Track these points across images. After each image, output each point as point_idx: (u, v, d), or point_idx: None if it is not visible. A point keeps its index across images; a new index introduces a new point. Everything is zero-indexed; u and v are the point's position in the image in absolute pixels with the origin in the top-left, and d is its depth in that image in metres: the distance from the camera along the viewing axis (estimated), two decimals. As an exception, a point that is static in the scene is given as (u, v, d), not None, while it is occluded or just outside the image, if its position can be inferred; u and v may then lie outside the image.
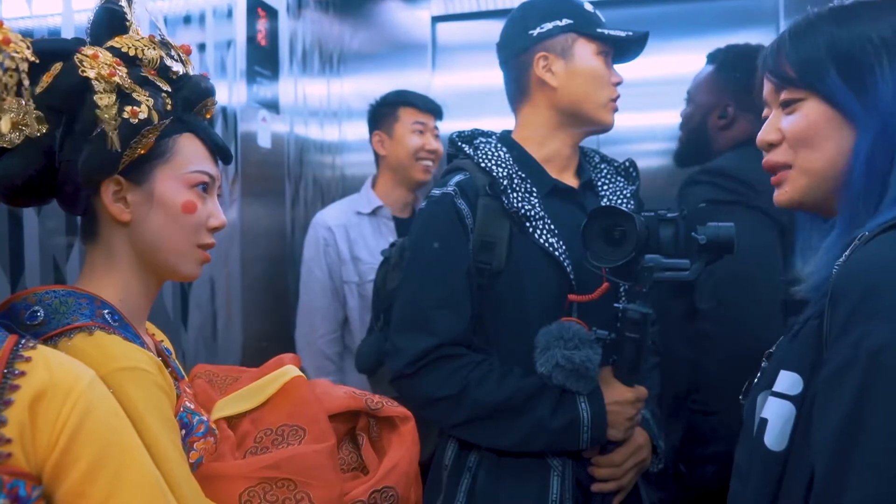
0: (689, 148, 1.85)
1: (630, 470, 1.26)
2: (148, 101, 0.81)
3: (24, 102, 0.76)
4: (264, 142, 2.05)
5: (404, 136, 2.05)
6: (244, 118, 1.92)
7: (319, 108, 2.49)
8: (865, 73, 0.77)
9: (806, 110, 0.81)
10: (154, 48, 0.85)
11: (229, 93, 1.84)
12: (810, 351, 0.72)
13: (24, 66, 0.75)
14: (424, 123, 2.06)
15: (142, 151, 0.82)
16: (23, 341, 0.67)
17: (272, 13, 2.10)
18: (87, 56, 0.79)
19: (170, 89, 0.86)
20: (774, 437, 0.73)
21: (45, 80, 0.78)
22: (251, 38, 1.96)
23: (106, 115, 0.78)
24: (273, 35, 2.10)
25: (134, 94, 0.80)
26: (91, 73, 0.78)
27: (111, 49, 0.82)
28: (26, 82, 0.76)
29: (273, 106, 2.11)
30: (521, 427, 1.20)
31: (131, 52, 0.83)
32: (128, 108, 0.79)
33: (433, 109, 2.10)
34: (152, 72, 0.85)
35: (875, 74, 0.76)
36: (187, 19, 1.66)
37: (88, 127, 0.79)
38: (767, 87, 0.87)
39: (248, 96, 1.95)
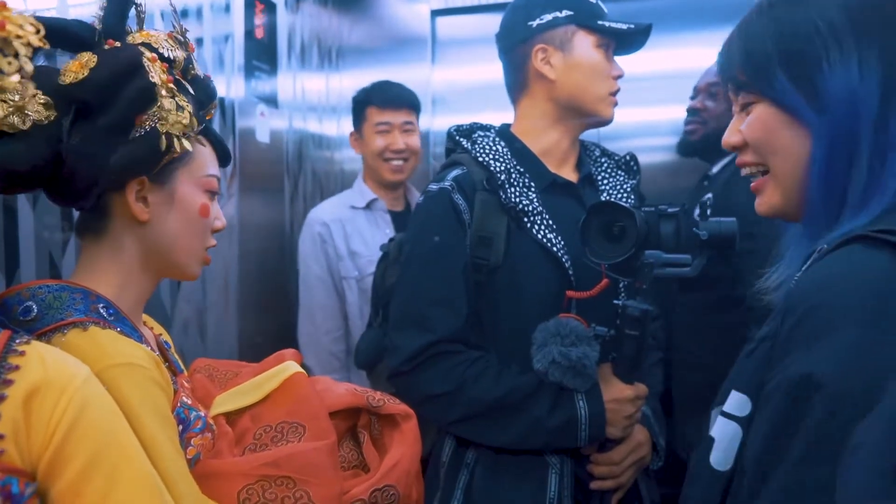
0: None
1: (629, 468, 1.26)
2: (188, 106, 0.81)
3: (29, 86, 0.72)
4: (263, 137, 2.03)
5: (370, 137, 2.02)
6: (242, 113, 1.91)
7: (318, 102, 2.48)
8: (813, 70, 0.69)
9: (758, 112, 0.75)
10: (179, 48, 0.84)
11: (227, 87, 1.83)
12: (760, 372, 0.68)
13: (28, 52, 0.72)
14: (389, 123, 2.00)
15: (175, 155, 0.82)
16: (16, 336, 0.66)
17: (270, 7, 2.08)
18: (148, 59, 0.78)
19: (193, 93, 0.85)
20: (719, 456, 0.71)
21: (76, 69, 0.76)
22: (249, 33, 1.94)
23: (171, 120, 0.78)
24: (271, 29, 2.09)
25: (177, 100, 0.80)
26: (157, 80, 0.78)
27: (148, 46, 0.81)
28: (28, 66, 0.71)
29: (271, 100, 2.10)
30: (519, 425, 1.20)
31: (166, 53, 0.82)
32: (176, 113, 0.79)
33: (401, 106, 2.02)
34: (179, 73, 0.84)
35: (823, 72, 0.69)
36: (184, 13, 1.65)
37: (121, 124, 0.77)
38: (730, 89, 0.80)
39: (247, 91, 1.94)
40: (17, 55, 0.70)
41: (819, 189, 0.71)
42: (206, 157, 0.88)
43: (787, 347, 0.62)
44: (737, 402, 0.69)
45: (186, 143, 0.80)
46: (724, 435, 0.70)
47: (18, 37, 0.69)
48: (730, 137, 0.80)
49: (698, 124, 1.85)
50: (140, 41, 0.81)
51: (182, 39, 0.86)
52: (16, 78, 0.69)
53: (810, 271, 0.67)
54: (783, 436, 0.60)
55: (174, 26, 0.88)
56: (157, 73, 0.78)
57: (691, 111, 1.88)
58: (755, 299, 0.80)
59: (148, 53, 0.79)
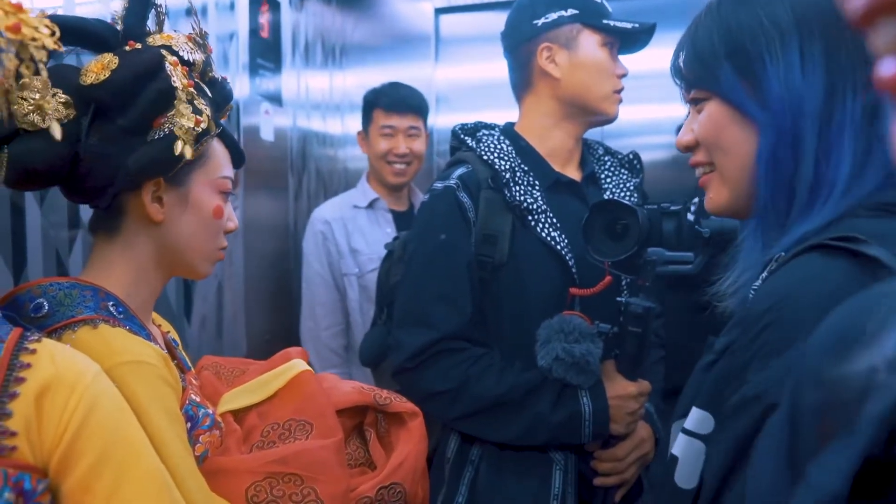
0: None
1: (632, 464, 1.26)
2: (206, 109, 0.81)
3: (48, 84, 0.72)
4: (267, 135, 2.04)
5: (375, 139, 2.03)
6: (247, 111, 1.92)
7: (322, 100, 2.49)
8: (757, 65, 0.69)
9: (709, 109, 0.74)
10: (198, 50, 0.85)
11: (232, 85, 1.83)
12: (721, 387, 0.66)
13: (43, 56, 0.72)
14: (393, 126, 2.01)
15: (192, 157, 0.82)
16: (28, 334, 0.66)
17: (274, 5, 2.09)
18: (171, 63, 0.78)
19: (211, 95, 0.86)
20: (684, 475, 0.69)
21: (97, 70, 0.76)
22: (254, 31, 1.95)
23: (185, 125, 0.78)
24: (276, 27, 2.10)
25: (195, 103, 0.81)
26: (178, 84, 0.78)
27: (169, 49, 0.81)
28: (44, 73, 0.72)
29: (276, 99, 2.10)
30: (522, 421, 1.20)
31: (186, 56, 0.82)
32: (192, 118, 0.79)
33: (407, 110, 2.02)
34: (198, 76, 0.85)
35: (765, 66, 0.68)
36: (189, 11, 1.65)
37: (140, 126, 0.78)
38: (682, 88, 0.80)
39: (251, 89, 1.94)
40: (32, 58, 0.70)
41: (767, 186, 0.69)
42: (221, 158, 0.89)
43: (746, 363, 0.62)
44: (699, 419, 0.68)
45: (187, 151, 0.79)
46: (688, 454, 0.69)
47: (34, 39, 0.68)
48: (682, 137, 0.79)
49: None
50: (161, 43, 0.81)
51: (201, 41, 0.86)
52: (35, 80, 0.70)
53: (768, 282, 0.65)
54: (742, 454, 0.60)
55: (192, 28, 0.88)
56: (178, 78, 0.79)
57: None
58: (714, 304, 0.79)
59: (170, 57, 0.79)
